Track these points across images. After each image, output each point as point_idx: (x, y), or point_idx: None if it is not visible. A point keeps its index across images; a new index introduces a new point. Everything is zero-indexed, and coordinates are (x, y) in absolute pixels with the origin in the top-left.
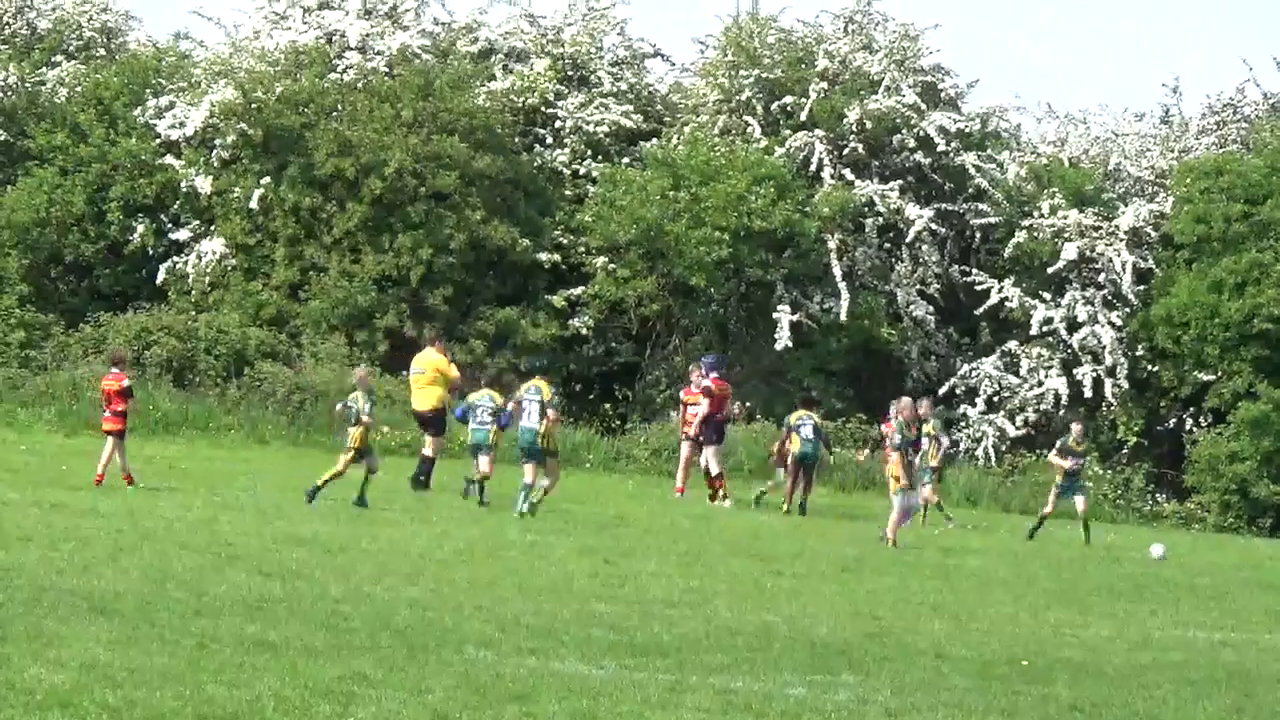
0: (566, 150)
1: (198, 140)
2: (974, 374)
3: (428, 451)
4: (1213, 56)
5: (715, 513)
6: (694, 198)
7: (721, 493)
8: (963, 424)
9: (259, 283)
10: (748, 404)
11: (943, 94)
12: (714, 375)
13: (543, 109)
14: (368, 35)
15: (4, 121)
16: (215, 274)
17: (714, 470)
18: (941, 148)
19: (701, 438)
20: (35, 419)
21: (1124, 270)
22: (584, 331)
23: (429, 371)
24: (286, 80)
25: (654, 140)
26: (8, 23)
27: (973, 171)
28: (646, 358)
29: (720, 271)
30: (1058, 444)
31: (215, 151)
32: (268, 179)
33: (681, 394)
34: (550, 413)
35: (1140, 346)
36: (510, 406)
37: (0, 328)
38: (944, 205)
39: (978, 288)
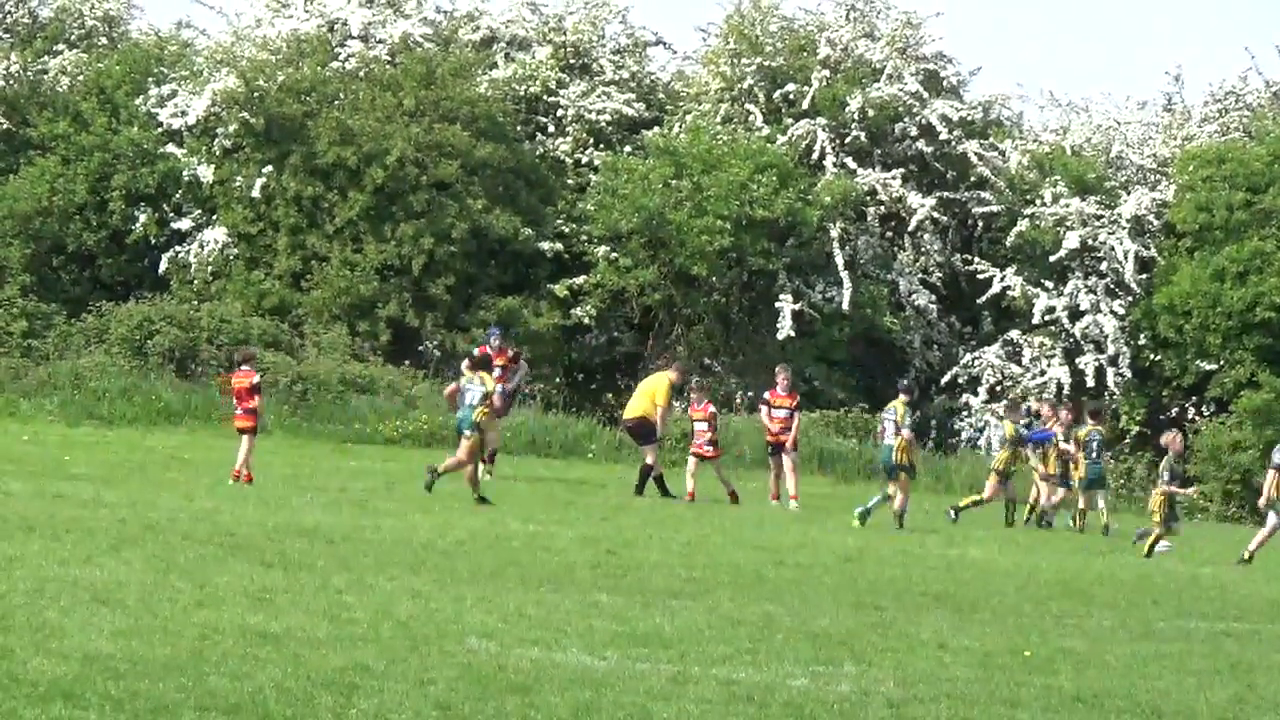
0: (568, 139)
1: (200, 129)
2: (976, 363)
3: (648, 460)
4: (1215, 44)
5: (717, 503)
6: (696, 186)
7: (488, 467)
8: (965, 413)
9: (261, 272)
10: (749, 394)
11: (945, 82)
12: (501, 347)
13: (545, 97)
14: (369, 23)
15: (6, 110)
16: (217, 263)
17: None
18: (944, 136)
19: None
20: (38, 409)
21: (1126, 259)
22: (586, 321)
23: (643, 386)
24: (288, 69)
25: (656, 129)
26: (10, 11)
27: (975, 160)
28: (649, 347)
29: (722, 260)
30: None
31: (217, 140)
32: (270, 168)
33: (767, 395)
34: (904, 432)
35: (1143, 335)
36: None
37: (2, 317)
38: (946, 194)
39: (980, 276)
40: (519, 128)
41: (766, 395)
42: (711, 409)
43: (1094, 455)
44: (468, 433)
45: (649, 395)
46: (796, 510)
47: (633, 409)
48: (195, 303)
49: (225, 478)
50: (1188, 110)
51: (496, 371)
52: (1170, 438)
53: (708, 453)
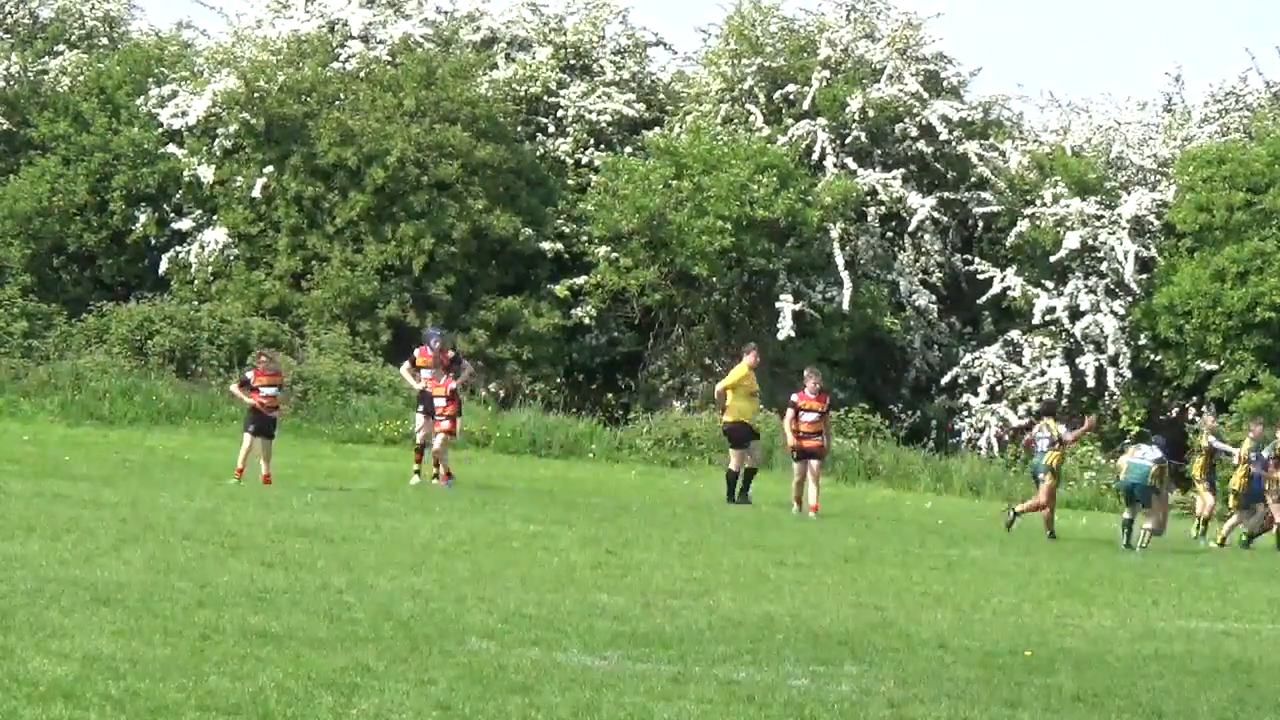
0: (569, 139)
1: (200, 129)
2: (977, 363)
3: (731, 465)
4: (1215, 45)
5: (717, 503)
6: (696, 187)
7: (417, 469)
8: (965, 413)
9: (261, 272)
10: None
11: (945, 82)
12: (442, 348)
13: (545, 98)
14: (370, 24)
15: (7, 110)
16: (218, 263)
17: (420, 440)
18: (944, 136)
19: (422, 409)
20: (38, 409)
21: (1126, 259)
22: (586, 321)
23: (728, 381)
24: (289, 69)
25: (656, 129)
26: (10, 12)
27: (975, 160)
28: (649, 347)
29: (723, 261)
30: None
31: (218, 141)
32: (270, 168)
33: (795, 398)
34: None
35: (1143, 335)
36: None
37: (3, 317)
38: (946, 194)
39: (980, 277)
40: (519, 128)
41: (795, 398)
42: (453, 386)
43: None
44: (1042, 476)
45: (738, 391)
46: (814, 519)
47: (730, 411)
48: (196, 303)
49: (220, 477)
50: (1188, 111)
51: (428, 373)
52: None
53: (446, 428)
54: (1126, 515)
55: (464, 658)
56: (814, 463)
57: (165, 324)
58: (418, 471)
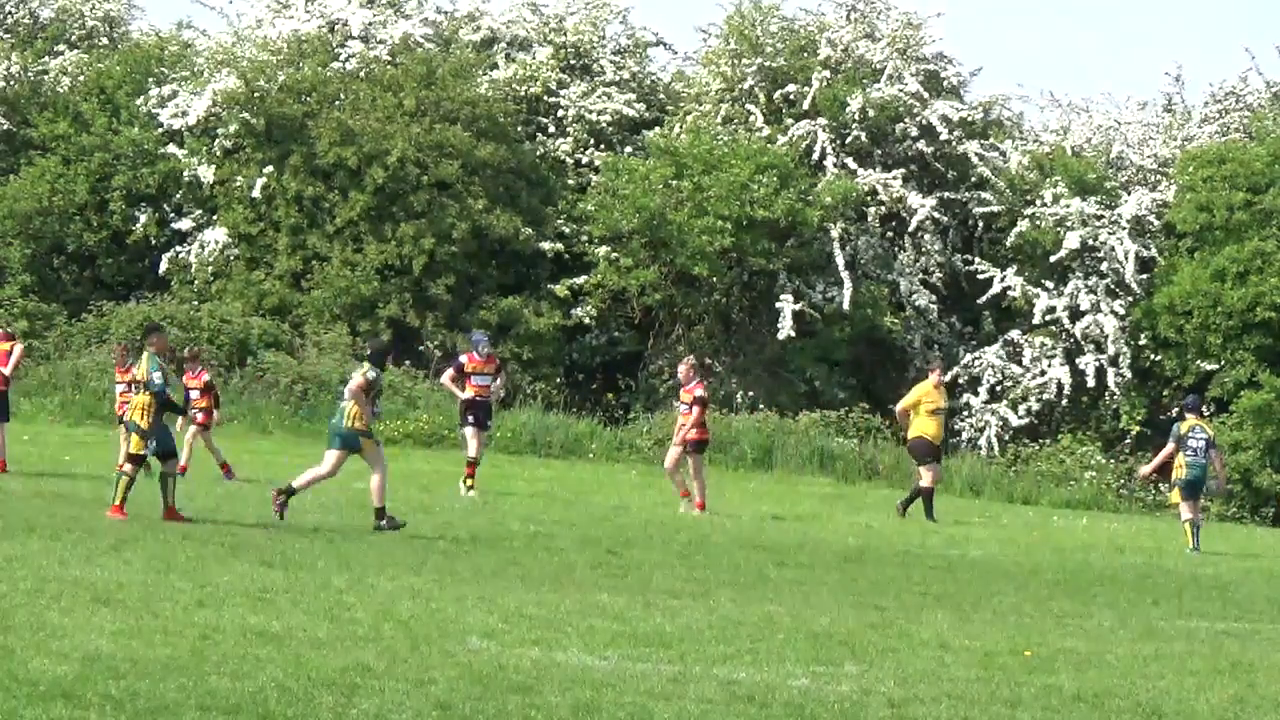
0: (569, 139)
1: (200, 129)
2: (977, 363)
3: (924, 482)
4: (1215, 44)
5: (716, 504)
6: (696, 187)
7: (470, 480)
8: (965, 413)
9: (261, 272)
10: (750, 394)
11: (945, 82)
12: (489, 354)
13: (545, 98)
14: (370, 24)
15: (7, 111)
16: (218, 263)
17: (474, 454)
18: (944, 136)
19: (472, 419)
20: (38, 409)
21: (1126, 259)
22: (586, 321)
23: (909, 400)
24: (289, 69)
25: (656, 129)
26: (10, 11)
27: (975, 160)
28: (649, 347)
29: (723, 261)
30: None
31: (218, 140)
32: (270, 168)
33: (682, 391)
34: (1212, 452)
35: (1143, 335)
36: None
37: (3, 317)
38: (947, 194)
39: (980, 277)
40: (519, 128)
41: (681, 392)
42: (206, 377)
43: None
44: None
45: (919, 408)
46: (685, 513)
47: (914, 428)
48: (196, 303)
49: (220, 477)
50: (1188, 111)
51: (485, 379)
52: None
53: (199, 419)
54: (1188, 514)
55: (464, 657)
56: (674, 451)
57: (165, 324)
58: (471, 488)
